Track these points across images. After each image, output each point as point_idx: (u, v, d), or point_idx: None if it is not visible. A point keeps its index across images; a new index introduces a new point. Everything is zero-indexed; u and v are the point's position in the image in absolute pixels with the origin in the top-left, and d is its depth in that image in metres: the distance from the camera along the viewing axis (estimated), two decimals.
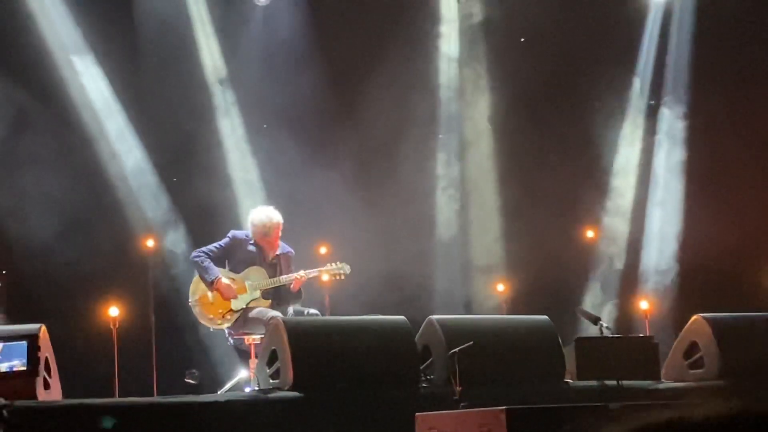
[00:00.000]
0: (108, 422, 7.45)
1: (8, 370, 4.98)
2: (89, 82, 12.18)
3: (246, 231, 10.03)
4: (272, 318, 9.24)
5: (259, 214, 9.98)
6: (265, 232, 9.88)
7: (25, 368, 4.87)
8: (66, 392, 8.72)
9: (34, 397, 7.87)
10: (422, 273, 12.67)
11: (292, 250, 10.11)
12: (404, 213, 12.66)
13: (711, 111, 13.30)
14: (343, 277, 9.97)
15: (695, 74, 13.38)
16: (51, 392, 8.26)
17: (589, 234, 13.08)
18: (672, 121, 13.52)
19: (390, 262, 11.71)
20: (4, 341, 5.00)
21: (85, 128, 12.06)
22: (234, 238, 9.94)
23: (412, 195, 12.91)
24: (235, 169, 12.72)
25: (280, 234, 9.96)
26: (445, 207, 13.31)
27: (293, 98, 12.31)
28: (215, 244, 9.92)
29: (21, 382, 7.74)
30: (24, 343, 5.01)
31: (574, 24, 12.99)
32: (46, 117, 11.65)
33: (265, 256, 9.91)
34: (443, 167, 13.35)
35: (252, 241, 9.91)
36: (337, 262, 9.99)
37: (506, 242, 13.07)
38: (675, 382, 9.27)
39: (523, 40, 12.99)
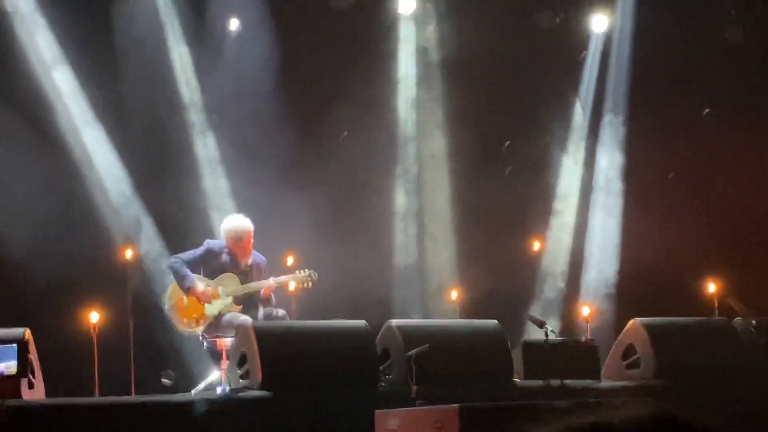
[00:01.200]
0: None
1: None
2: (66, 93, 12.15)
3: (220, 241, 10.09)
4: (242, 323, 9.39)
5: (232, 222, 10.03)
6: (237, 238, 9.92)
7: (15, 371, 5.03)
8: (49, 392, 8.83)
9: (19, 396, 8.01)
10: (382, 281, 12.83)
11: (265, 259, 10.18)
12: (366, 227, 12.83)
13: (647, 123, 13.63)
14: (310, 284, 10.00)
15: (632, 92, 13.71)
16: (35, 392, 8.37)
17: (536, 246, 13.31)
18: (611, 134, 13.82)
19: (352, 272, 11.86)
20: None
21: (61, 137, 12.06)
22: (209, 248, 10.00)
23: (373, 211, 13.09)
24: (207, 183, 12.80)
25: (252, 241, 10.05)
26: (403, 222, 13.48)
27: (263, 121, 12.40)
28: (191, 252, 9.98)
29: (8, 383, 7.88)
30: (14, 346, 5.16)
31: (523, 52, 13.29)
32: (23, 125, 11.65)
33: (237, 263, 9.97)
34: (402, 191, 13.51)
35: (226, 250, 9.97)
36: (305, 270, 10.11)
37: (460, 253, 13.26)
38: (613, 381, 9.53)
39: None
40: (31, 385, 8.28)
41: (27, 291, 11.22)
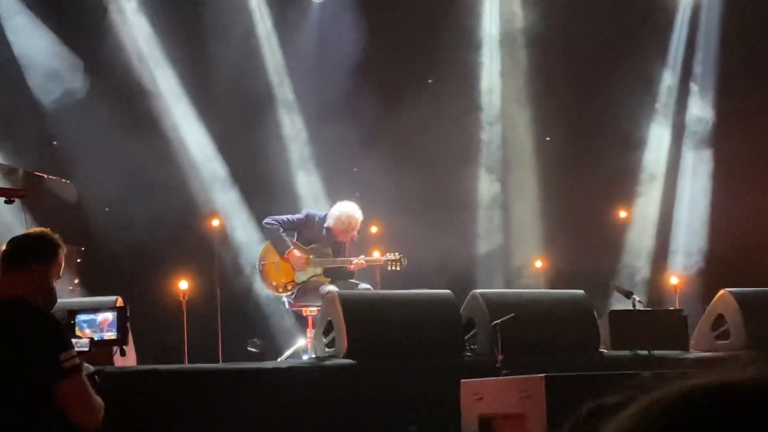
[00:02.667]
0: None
1: (99, 338, 5.19)
2: (158, 70, 12.35)
3: (320, 213, 10.02)
4: (329, 292, 9.39)
5: (346, 210, 9.82)
6: (346, 227, 9.81)
7: (115, 337, 5.10)
8: (139, 359, 8.95)
9: (112, 363, 8.10)
10: (467, 253, 12.75)
11: (356, 234, 10.17)
12: (447, 197, 12.74)
13: (739, 102, 13.27)
14: (398, 267, 9.97)
15: (723, 67, 13.35)
16: (127, 359, 8.47)
17: (622, 215, 13.12)
18: (701, 111, 13.51)
19: (436, 243, 11.79)
20: (98, 312, 5.21)
21: (152, 110, 12.25)
22: (308, 217, 9.96)
23: (455, 178, 13.00)
24: (293, 153, 12.84)
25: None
26: (486, 192, 13.37)
27: (345, 93, 12.39)
28: (288, 216, 9.96)
29: (104, 350, 7.98)
30: (114, 313, 5.23)
31: (608, 22, 13.03)
32: (115, 106, 11.83)
33: (333, 238, 9.91)
34: (485, 163, 13.41)
35: (326, 225, 9.87)
36: (396, 253, 10.05)
37: (545, 223, 13.12)
38: (703, 352, 9.34)
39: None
40: (123, 353, 8.35)
41: (119, 261, 11.38)
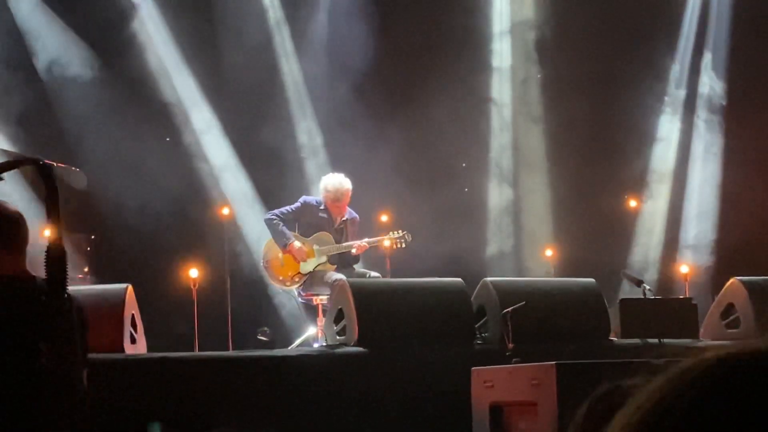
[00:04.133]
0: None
1: None
2: (157, 39, 12.28)
3: (316, 197, 10.04)
4: (337, 280, 9.35)
5: (332, 180, 9.93)
6: (336, 198, 9.86)
7: None
8: (150, 347, 8.91)
9: (122, 350, 8.08)
10: (476, 238, 12.71)
11: (358, 216, 10.15)
12: (459, 184, 12.70)
13: (750, 91, 13.19)
14: (403, 245, 9.97)
15: (733, 57, 13.28)
16: (137, 346, 8.45)
17: (633, 204, 13.07)
18: (710, 92, 13.44)
19: (447, 232, 11.75)
20: None
21: (163, 94, 12.22)
22: (305, 204, 9.98)
23: (466, 166, 12.96)
24: (301, 136, 12.80)
25: (349, 201, 10.02)
26: (497, 180, 13.33)
27: (360, 72, 12.33)
28: (287, 207, 9.96)
29: (111, 338, 7.95)
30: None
31: (613, 14, 12.98)
32: (131, 100, 11.81)
33: (333, 221, 9.97)
34: (496, 140, 13.36)
35: (322, 207, 9.92)
36: (399, 231, 10.03)
37: (555, 211, 13.08)
38: (712, 340, 9.28)
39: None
40: (133, 340, 8.34)
41: (129, 250, 11.36)
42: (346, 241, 9.89)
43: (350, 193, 9.92)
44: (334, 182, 9.91)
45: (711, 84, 13.44)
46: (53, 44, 11.83)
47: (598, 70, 12.97)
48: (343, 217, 9.96)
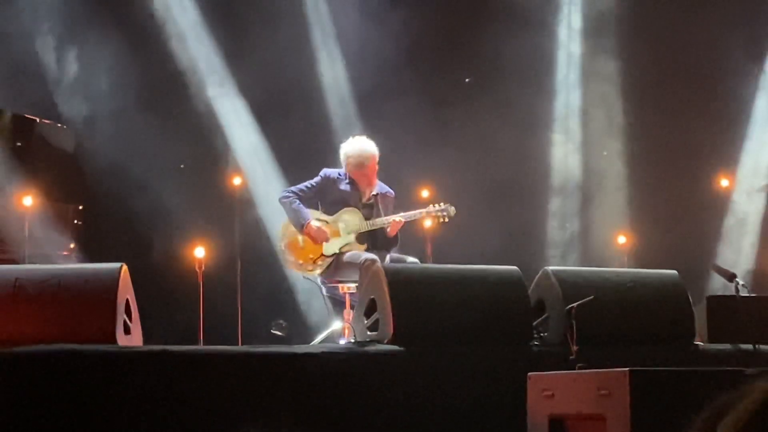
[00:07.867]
0: None
1: None
2: (179, 11, 12.48)
3: (339, 169, 10.04)
4: (366, 260, 9.31)
5: (353, 145, 9.94)
6: (359, 163, 9.84)
7: None
8: (146, 338, 8.94)
9: (114, 342, 8.10)
10: (536, 220, 12.71)
11: (392, 192, 10.12)
12: (515, 153, 12.69)
13: None
14: (446, 219, 9.97)
15: None
16: (131, 337, 8.47)
17: (723, 183, 13.03)
18: None
19: (500, 207, 11.74)
20: None
21: (178, 63, 12.37)
22: (326, 177, 9.96)
23: (527, 136, 12.95)
24: (332, 106, 12.88)
25: (376, 168, 9.94)
26: (562, 151, 13.35)
27: (399, 46, 12.42)
28: (306, 183, 9.95)
29: (101, 326, 7.98)
30: None
31: None
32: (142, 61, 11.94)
33: (360, 195, 9.93)
34: (561, 115, 13.40)
35: (346, 180, 9.92)
36: (441, 203, 10.01)
37: (630, 192, 13.07)
38: None
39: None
40: (127, 330, 8.36)
41: (124, 224, 11.43)
42: (378, 218, 9.87)
43: (377, 159, 9.89)
44: (355, 146, 9.90)
45: None
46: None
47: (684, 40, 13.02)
48: (373, 190, 9.92)
